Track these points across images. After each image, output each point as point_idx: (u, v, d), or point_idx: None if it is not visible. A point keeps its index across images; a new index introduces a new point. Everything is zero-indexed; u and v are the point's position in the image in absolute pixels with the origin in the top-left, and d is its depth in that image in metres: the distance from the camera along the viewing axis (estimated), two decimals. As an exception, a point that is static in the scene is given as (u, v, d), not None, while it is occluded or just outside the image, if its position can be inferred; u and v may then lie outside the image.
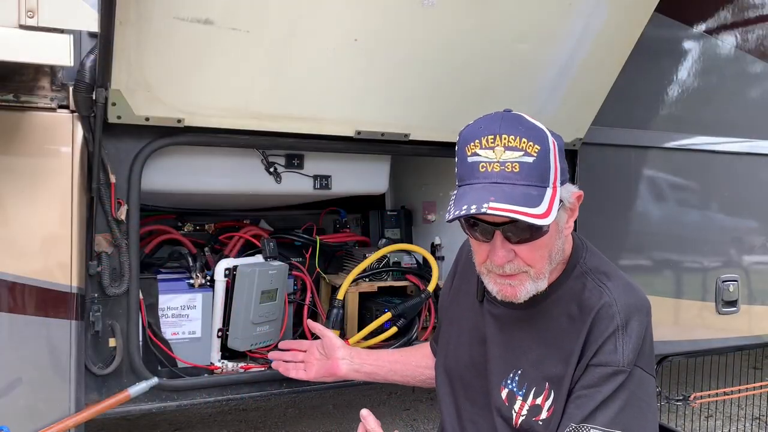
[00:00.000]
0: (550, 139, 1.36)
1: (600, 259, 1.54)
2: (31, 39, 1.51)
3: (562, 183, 1.39)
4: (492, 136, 1.33)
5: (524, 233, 1.36)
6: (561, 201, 1.38)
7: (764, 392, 4.03)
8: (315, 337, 2.11)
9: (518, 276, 1.41)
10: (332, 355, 1.92)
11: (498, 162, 1.32)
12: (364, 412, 1.55)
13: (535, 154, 1.32)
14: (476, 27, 2.05)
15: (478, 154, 1.34)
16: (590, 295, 1.45)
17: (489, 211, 1.28)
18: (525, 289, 1.42)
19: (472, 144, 1.36)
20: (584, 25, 2.17)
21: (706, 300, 3.18)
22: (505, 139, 1.32)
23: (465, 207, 1.30)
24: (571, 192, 1.42)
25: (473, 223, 1.40)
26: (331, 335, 1.98)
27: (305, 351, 2.03)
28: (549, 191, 1.34)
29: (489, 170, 1.33)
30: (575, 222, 1.50)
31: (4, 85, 1.77)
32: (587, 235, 1.63)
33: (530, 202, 1.30)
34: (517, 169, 1.32)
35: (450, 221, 1.36)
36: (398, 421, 3.98)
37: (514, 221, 1.33)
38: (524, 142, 1.32)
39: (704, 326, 3.19)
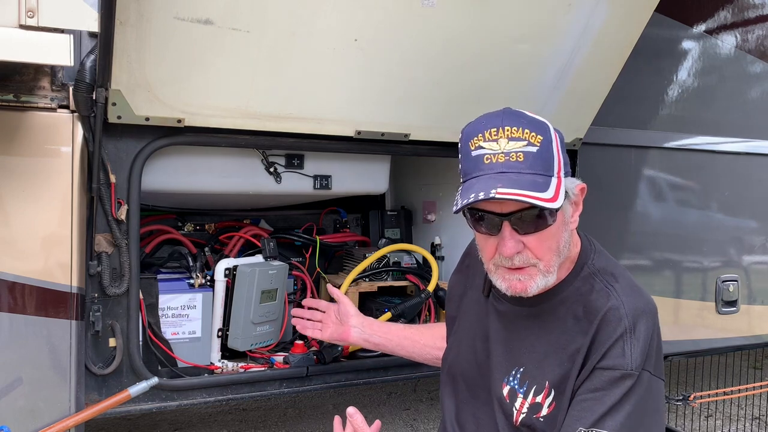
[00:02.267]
0: (552, 130, 1.38)
1: (608, 260, 1.53)
2: (32, 39, 1.52)
3: (566, 175, 1.40)
4: (495, 129, 1.34)
5: (532, 223, 1.36)
6: (566, 192, 1.39)
7: (764, 392, 4.03)
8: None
9: (527, 269, 1.40)
10: (345, 322, 1.98)
11: (502, 152, 1.33)
12: (351, 410, 1.52)
13: (539, 144, 1.34)
14: (476, 27, 2.05)
15: (482, 147, 1.35)
16: (598, 296, 1.43)
17: (498, 196, 1.27)
18: (535, 284, 1.40)
19: (476, 138, 1.36)
20: (584, 25, 2.17)
21: (706, 300, 3.18)
22: (508, 130, 1.33)
23: (473, 196, 1.30)
24: (576, 184, 1.43)
25: (479, 216, 1.39)
26: (346, 302, 2.02)
27: (324, 312, 2.07)
28: (554, 180, 1.34)
29: (494, 161, 1.33)
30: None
31: (4, 85, 1.77)
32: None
33: (538, 188, 1.30)
34: (522, 159, 1.32)
35: (457, 212, 1.36)
36: (398, 420, 3.98)
37: (520, 211, 1.34)
38: (527, 133, 1.33)
39: (704, 326, 3.19)
